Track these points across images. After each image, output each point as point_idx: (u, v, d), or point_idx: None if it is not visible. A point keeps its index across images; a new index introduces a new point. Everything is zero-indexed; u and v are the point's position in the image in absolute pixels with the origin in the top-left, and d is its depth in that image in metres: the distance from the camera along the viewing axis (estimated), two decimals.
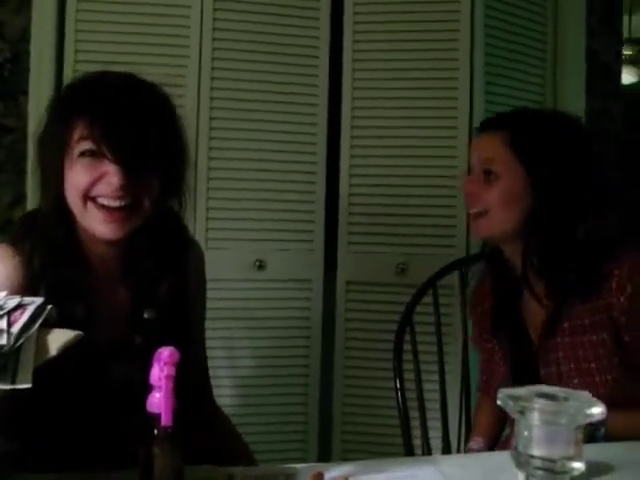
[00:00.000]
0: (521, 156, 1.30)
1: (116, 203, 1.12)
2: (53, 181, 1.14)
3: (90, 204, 1.12)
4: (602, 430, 1.20)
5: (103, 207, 1.12)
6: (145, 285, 1.22)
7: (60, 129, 1.13)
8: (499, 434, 1.53)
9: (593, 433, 1.19)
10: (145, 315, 1.20)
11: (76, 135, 1.11)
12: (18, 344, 0.83)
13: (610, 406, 0.84)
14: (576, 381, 1.28)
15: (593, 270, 1.28)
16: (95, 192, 1.11)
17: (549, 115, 1.46)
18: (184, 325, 1.26)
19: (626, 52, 3.88)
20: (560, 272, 1.30)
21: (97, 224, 1.12)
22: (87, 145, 1.10)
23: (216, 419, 1.41)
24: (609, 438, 1.20)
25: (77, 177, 1.12)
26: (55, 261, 1.15)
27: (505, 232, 1.33)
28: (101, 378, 1.15)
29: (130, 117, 1.11)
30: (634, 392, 1.27)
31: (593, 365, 1.28)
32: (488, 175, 1.32)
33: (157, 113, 1.16)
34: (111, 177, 1.10)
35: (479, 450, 1.45)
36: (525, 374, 1.34)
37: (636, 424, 1.24)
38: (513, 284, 1.40)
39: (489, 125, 1.38)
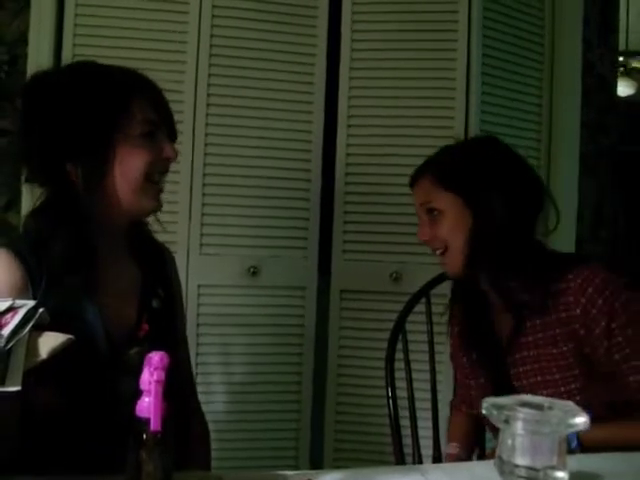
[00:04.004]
0: (449, 185, 1.39)
1: (164, 177, 1.22)
2: (100, 166, 1.15)
3: (145, 182, 1.18)
4: (575, 442, 1.22)
5: (155, 183, 1.20)
6: (151, 274, 1.28)
7: (114, 114, 1.15)
8: (474, 441, 1.58)
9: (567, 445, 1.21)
10: (153, 304, 1.25)
11: (136, 117, 1.16)
12: (8, 347, 0.83)
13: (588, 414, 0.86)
14: (544, 392, 1.30)
15: (542, 286, 1.33)
16: (151, 169, 1.18)
17: (462, 143, 1.57)
18: (175, 325, 1.33)
19: (622, 64, 3.90)
20: (510, 289, 1.36)
21: (149, 200, 1.20)
22: (148, 127, 1.17)
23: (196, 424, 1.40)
24: (584, 450, 1.22)
25: (140, 157, 1.16)
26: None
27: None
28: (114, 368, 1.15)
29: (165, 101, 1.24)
30: (612, 398, 1.29)
31: (557, 376, 1.32)
32: (432, 214, 1.41)
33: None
34: (169, 152, 1.20)
35: (456, 454, 1.50)
36: (500, 387, 1.37)
37: (612, 436, 1.26)
38: (483, 301, 1.45)
39: (416, 176, 1.47)
